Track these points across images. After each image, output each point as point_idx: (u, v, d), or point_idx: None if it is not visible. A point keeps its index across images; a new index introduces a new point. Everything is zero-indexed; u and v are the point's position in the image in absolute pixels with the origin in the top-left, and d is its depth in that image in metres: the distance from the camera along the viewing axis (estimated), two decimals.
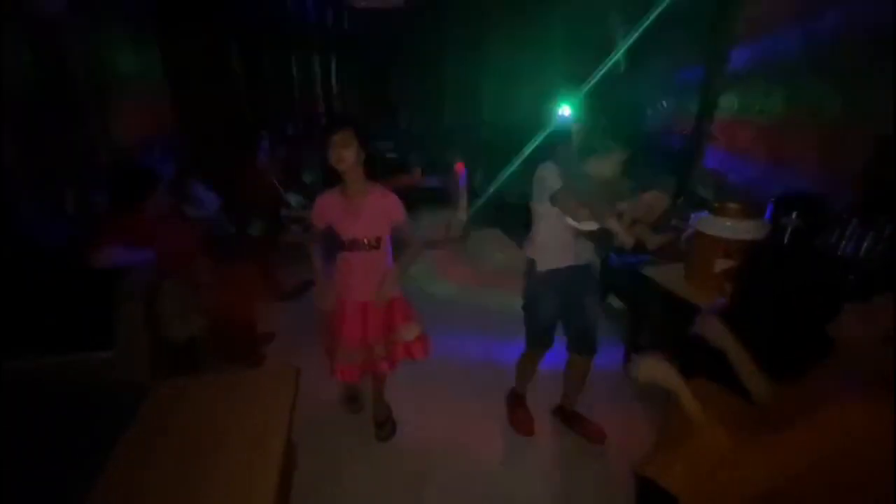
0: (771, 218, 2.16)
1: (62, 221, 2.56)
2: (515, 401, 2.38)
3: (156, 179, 2.43)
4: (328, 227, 1.94)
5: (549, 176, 1.78)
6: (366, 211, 1.87)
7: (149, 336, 2.05)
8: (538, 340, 2.15)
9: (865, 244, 1.92)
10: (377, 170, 1.99)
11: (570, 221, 1.76)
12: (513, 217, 4.96)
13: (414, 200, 5.32)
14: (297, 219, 4.33)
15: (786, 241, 2.01)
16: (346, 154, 1.77)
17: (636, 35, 3.81)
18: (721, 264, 2.14)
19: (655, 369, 1.38)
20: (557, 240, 1.89)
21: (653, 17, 3.45)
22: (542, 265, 1.96)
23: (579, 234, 1.84)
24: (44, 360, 1.89)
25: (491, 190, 5.11)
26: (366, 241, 1.90)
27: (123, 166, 3.00)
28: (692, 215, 2.45)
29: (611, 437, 2.24)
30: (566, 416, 2.34)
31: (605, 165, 1.71)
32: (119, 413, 1.67)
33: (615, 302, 3.38)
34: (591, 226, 1.76)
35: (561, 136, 4.61)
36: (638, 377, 1.41)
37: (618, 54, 4.23)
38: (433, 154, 5.54)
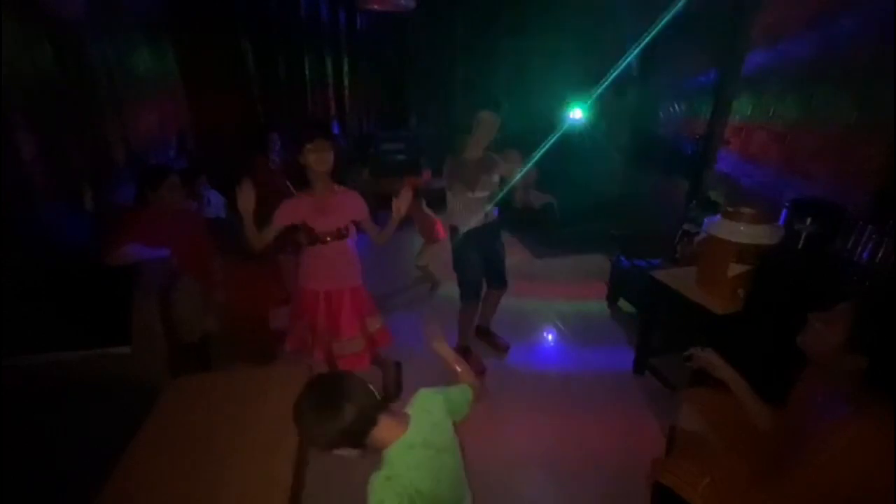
0: (785, 223, 2.15)
1: (81, 219, 2.60)
2: (463, 353, 2.67)
3: (165, 171, 2.46)
4: (291, 225, 2.10)
5: (450, 163, 2.48)
6: (335, 207, 2.10)
7: (165, 333, 2.09)
8: (473, 292, 2.67)
9: (881, 251, 1.90)
10: (342, 170, 2.28)
11: (470, 194, 2.45)
12: (522, 220, 4.95)
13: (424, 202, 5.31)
14: None
15: (800, 246, 2.00)
16: (328, 157, 2.00)
17: (649, 38, 3.80)
18: (734, 269, 2.13)
19: (692, 420, 1.54)
20: (468, 207, 2.50)
21: (666, 19, 3.44)
22: (463, 228, 2.52)
23: (480, 199, 2.48)
24: (63, 356, 1.93)
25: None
26: (337, 231, 2.12)
27: (138, 164, 3.06)
28: (705, 219, 2.44)
29: (621, 439, 2.24)
30: (480, 331, 2.97)
31: (475, 144, 2.42)
32: (136, 408, 1.70)
33: (626, 305, 3.37)
34: (485, 192, 2.47)
35: (572, 138, 4.63)
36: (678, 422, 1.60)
37: (630, 57, 4.22)
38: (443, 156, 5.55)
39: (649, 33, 3.97)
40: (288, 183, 4.27)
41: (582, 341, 3.08)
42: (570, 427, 2.35)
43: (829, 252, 2.01)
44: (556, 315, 3.35)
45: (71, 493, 1.50)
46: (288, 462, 1.48)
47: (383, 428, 1.08)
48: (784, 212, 2.16)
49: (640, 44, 4.12)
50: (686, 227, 2.93)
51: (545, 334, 3.20)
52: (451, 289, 3.66)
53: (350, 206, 2.15)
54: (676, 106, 3.83)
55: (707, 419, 1.50)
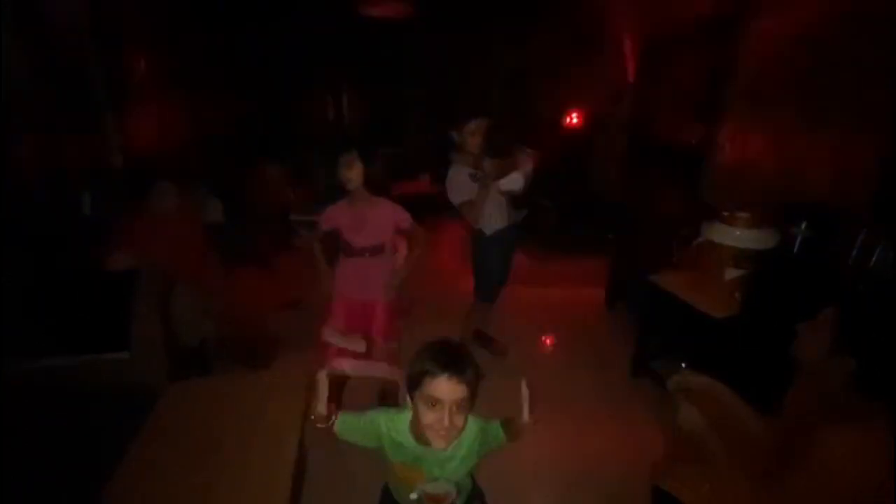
0: (781, 227, 2.17)
1: (80, 224, 2.60)
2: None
3: (156, 177, 2.48)
4: (334, 230, 2.13)
5: (460, 178, 2.41)
6: (370, 222, 2.08)
7: (164, 338, 2.09)
8: (489, 294, 2.67)
9: (876, 254, 1.91)
10: (385, 187, 2.24)
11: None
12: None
13: (422, 208, 5.34)
14: (306, 223, 4.38)
15: (796, 250, 2.02)
16: (351, 175, 1.99)
17: (647, 43, 3.83)
18: (731, 273, 2.14)
19: (690, 416, 1.53)
20: (493, 208, 2.46)
21: (665, 23, 3.47)
22: (488, 230, 2.50)
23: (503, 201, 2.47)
24: (62, 361, 1.93)
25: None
26: (368, 247, 2.10)
27: (136, 169, 3.07)
28: (702, 224, 2.45)
29: (619, 443, 2.24)
30: (478, 334, 2.91)
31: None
32: (135, 413, 1.70)
33: (623, 309, 3.38)
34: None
35: (570, 143, 4.66)
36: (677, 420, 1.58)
37: (628, 62, 4.26)
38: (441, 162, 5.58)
39: (647, 37, 4.01)
40: (290, 189, 4.29)
41: (580, 345, 3.08)
42: (568, 431, 2.35)
43: (824, 256, 2.02)
44: (554, 318, 3.36)
45: (70, 498, 1.50)
46: (287, 466, 1.48)
47: None
48: (780, 216, 2.18)
49: (638, 48, 4.16)
50: (683, 231, 2.94)
51: (543, 338, 3.20)
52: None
53: (388, 217, 2.10)
54: (674, 110, 3.85)
55: (706, 415, 1.50)
